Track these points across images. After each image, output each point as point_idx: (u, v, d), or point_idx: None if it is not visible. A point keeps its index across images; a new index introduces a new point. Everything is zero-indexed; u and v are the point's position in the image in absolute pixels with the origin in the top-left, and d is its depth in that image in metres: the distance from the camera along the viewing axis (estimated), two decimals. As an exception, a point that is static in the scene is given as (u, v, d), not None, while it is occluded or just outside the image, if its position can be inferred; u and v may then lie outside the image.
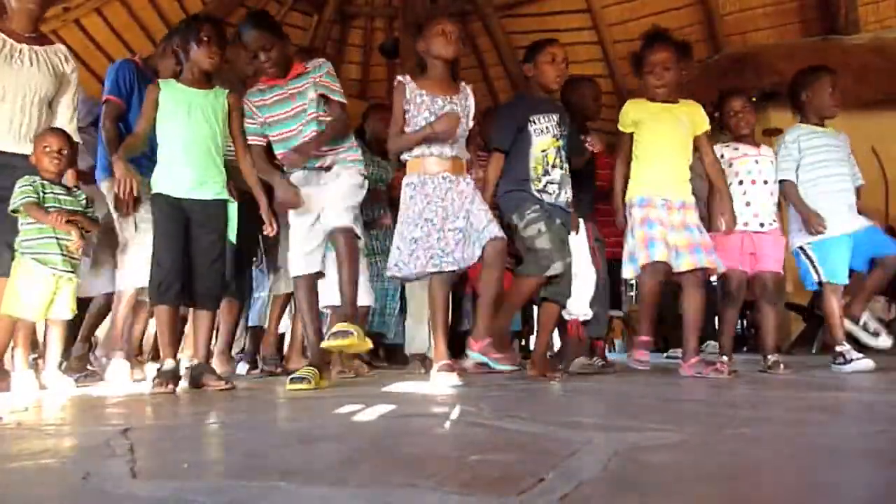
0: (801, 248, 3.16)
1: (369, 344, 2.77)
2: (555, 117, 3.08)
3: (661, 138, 3.03)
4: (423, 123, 2.74)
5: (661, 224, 2.95)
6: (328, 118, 2.78)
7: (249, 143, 2.86)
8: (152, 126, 2.74)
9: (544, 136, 3.05)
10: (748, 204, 3.18)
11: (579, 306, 3.36)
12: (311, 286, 2.82)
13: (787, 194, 3.21)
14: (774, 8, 7.55)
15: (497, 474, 0.90)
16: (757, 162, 3.22)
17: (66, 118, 3.16)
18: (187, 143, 2.72)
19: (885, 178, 6.04)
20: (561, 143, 3.08)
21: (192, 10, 7.68)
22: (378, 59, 8.80)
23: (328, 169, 2.79)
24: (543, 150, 3.04)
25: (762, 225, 3.15)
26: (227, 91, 2.84)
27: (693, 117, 3.08)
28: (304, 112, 2.77)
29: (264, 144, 2.85)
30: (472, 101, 2.89)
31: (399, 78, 2.83)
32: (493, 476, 0.89)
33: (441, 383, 2.54)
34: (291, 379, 2.61)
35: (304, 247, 2.78)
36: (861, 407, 1.77)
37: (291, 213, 2.82)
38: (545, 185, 3.02)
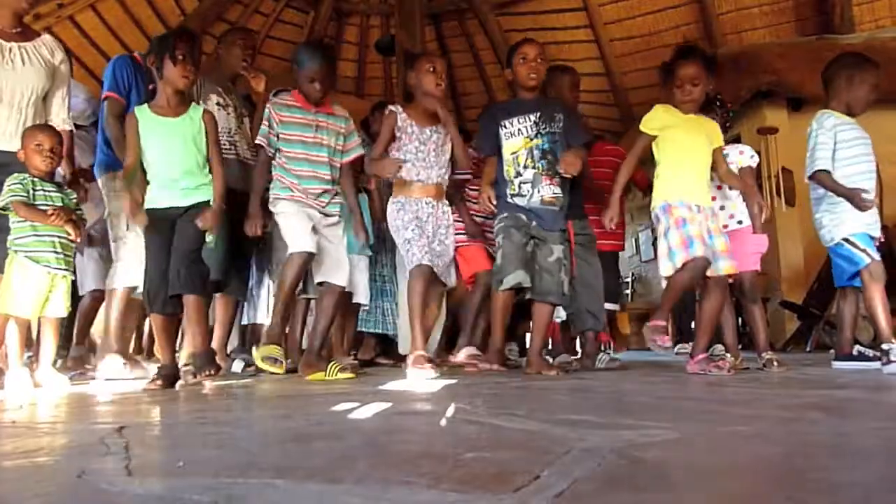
0: (845, 239, 3.07)
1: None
2: (532, 117, 3.16)
3: (689, 146, 3.03)
4: (412, 150, 3.14)
5: (694, 224, 2.91)
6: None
7: (258, 143, 3.12)
8: (139, 154, 2.77)
9: (514, 139, 3.17)
10: None
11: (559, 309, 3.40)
12: (306, 265, 3.03)
13: (824, 185, 3.11)
14: (770, 7, 7.56)
15: (492, 472, 0.90)
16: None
17: (58, 110, 3.15)
18: (170, 169, 2.76)
19: (879, 179, 6.06)
20: (538, 141, 3.15)
21: (187, 7, 7.66)
22: (374, 57, 8.79)
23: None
24: (514, 153, 3.17)
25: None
26: (202, 109, 2.88)
27: (711, 131, 3.10)
28: (320, 145, 3.10)
29: (272, 154, 3.11)
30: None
31: (391, 108, 3.19)
32: (488, 473, 0.89)
33: (416, 377, 2.63)
34: (263, 359, 2.88)
35: (307, 227, 3.02)
36: (857, 404, 1.77)
37: (289, 208, 3.04)
38: (519, 186, 3.14)
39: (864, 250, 3.02)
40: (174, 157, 2.76)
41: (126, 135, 2.80)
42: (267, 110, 3.09)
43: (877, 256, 3.02)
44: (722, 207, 3.18)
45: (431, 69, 3.12)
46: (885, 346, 2.90)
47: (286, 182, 3.08)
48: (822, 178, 3.10)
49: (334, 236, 3.15)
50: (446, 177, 3.24)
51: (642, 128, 3.10)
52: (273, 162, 3.12)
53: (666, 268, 2.99)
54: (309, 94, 3.09)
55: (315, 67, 3.04)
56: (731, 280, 3.20)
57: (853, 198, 3.00)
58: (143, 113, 2.79)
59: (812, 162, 3.12)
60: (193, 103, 2.93)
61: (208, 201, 2.79)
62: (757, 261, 3.27)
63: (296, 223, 3.02)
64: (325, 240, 3.10)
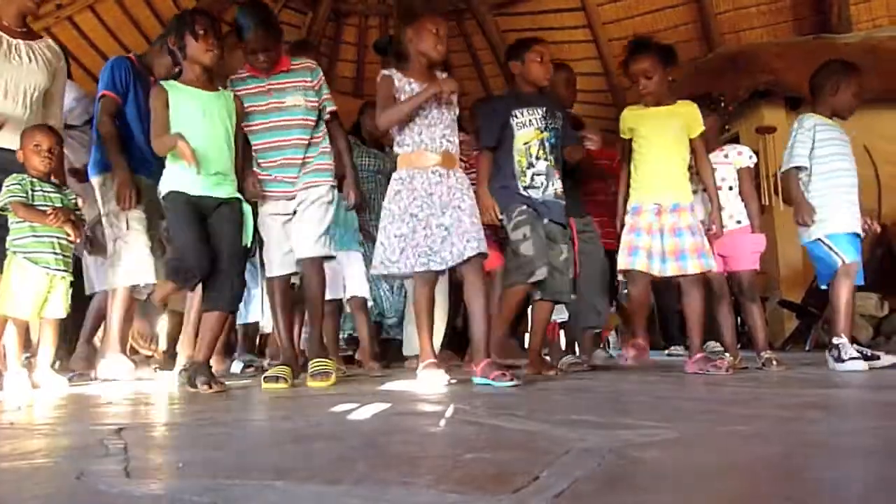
0: (818, 240, 3.09)
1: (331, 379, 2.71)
2: (540, 110, 3.15)
3: (653, 143, 3.11)
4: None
5: (649, 232, 3.04)
6: (332, 134, 2.95)
7: None
8: (168, 129, 2.58)
9: (526, 129, 3.13)
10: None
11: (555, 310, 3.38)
12: (286, 287, 2.91)
13: (787, 182, 3.19)
14: (768, 6, 7.57)
15: (492, 472, 0.90)
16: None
17: (55, 110, 3.16)
18: (204, 146, 2.57)
19: (877, 177, 6.08)
20: (547, 134, 3.14)
21: (185, 7, 7.66)
22: (372, 57, 8.78)
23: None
24: (525, 143, 3.12)
25: (709, 230, 3.16)
26: (231, 93, 2.75)
27: (688, 120, 3.12)
28: (279, 110, 2.81)
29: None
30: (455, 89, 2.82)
31: (384, 72, 2.81)
32: (487, 474, 0.89)
33: (429, 381, 2.53)
34: (265, 378, 2.66)
35: (282, 247, 2.86)
36: (854, 404, 1.78)
37: (266, 213, 2.88)
38: (532, 178, 3.10)
39: (838, 253, 3.04)
40: (209, 132, 2.60)
41: (152, 109, 2.62)
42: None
43: (850, 259, 3.02)
44: (721, 209, 3.19)
45: (434, 31, 2.76)
46: (835, 340, 2.97)
47: (259, 173, 2.87)
48: (788, 177, 3.16)
49: (307, 210, 2.84)
50: (455, 141, 2.78)
51: (622, 135, 3.23)
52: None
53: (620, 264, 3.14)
54: (255, 66, 2.83)
55: (252, 37, 2.76)
56: (726, 276, 3.25)
57: (800, 210, 3.08)
58: (173, 86, 2.62)
59: (789, 158, 3.16)
60: (221, 88, 2.77)
61: (239, 199, 2.70)
62: (756, 260, 3.29)
63: (271, 242, 2.86)
64: (296, 220, 2.86)
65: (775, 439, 1.17)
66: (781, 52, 6.53)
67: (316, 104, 2.88)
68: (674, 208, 3.04)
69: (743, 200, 3.24)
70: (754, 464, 0.95)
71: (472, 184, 3.52)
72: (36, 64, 3.05)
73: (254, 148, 2.86)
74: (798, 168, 3.12)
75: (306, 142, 2.85)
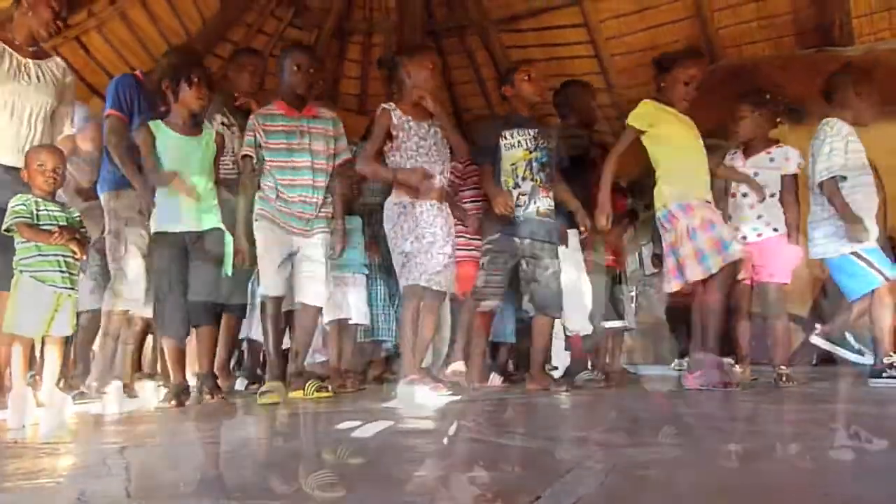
0: (853, 253, 2.90)
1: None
2: (531, 132, 3.18)
3: (688, 143, 3.02)
4: (413, 148, 2.93)
5: (717, 223, 2.85)
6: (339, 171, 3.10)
7: (246, 153, 2.98)
8: (158, 161, 2.82)
9: (515, 150, 3.18)
10: (729, 217, 3.14)
11: (577, 321, 3.35)
12: (280, 307, 3.00)
13: (831, 196, 2.90)
14: (769, 21, 7.59)
15: (494, 491, 0.89)
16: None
17: (62, 128, 3.18)
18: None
19: (883, 190, 6.05)
20: (537, 154, 3.17)
21: (192, 28, 7.73)
22: (376, 74, 8.82)
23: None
24: (513, 164, 3.16)
25: (744, 238, 3.05)
26: (213, 133, 2.97)
27: (696, 130, 3.09)
28: (306, 150, 2.97)
29: (256, 167, 3.00)
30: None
31: (384, 106, 3.00)
32: (490, 493, 0.88)
33: (412, 396, 2.58)
34: (261, 394, 2.75)
35: (282, 273, 2.95)
36: (861, 420, 1.76)
37: (274, 241, 2.93)
38: (517, 198, 3.13)
39: (878, 269, 2.85)
40: (190, 176, 2.81)
41: (141, 145, 2.86)
42: (251, 121, 3.02)
43: (891, 274, 2.85)
44: (759, 216, 3.09)
45: (431, 67, 3.00)
46: (887, 360, 2.77)
47: (269, 195, 2.98)
48: (832, 189, 2.89)
49: (315, 253, 3.00)
50: (447, 177, 3.09)
51: (632, 122, 3.02)
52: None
53: (673, 284, 2.90)
54: (295, 85, 2.99)
55: (300, 55, 3.03)
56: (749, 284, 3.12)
57: (854, 227, 2.84)
58: (159, 128, 2.85)
59: (828, 167, 2.90)
60: (206, 123, 3.02)
61: (220, 228, 2.85)
62: (788, 273, 3.09)
63: (268, 259, 2.94)
64: (304, 259, 3.00)
65: (781, 456, 1.16)
66: (783, 65, 6.55)
67: (332, 152, 3.06)
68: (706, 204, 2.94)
69: (783, 207, 3.08)
70: (760, 482, 0.94)
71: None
72: (44, 83, 3.08)
73: (278, 182, 2.95)
74: (836, 178, 2.89)
75: (324, 185, 3.02)
